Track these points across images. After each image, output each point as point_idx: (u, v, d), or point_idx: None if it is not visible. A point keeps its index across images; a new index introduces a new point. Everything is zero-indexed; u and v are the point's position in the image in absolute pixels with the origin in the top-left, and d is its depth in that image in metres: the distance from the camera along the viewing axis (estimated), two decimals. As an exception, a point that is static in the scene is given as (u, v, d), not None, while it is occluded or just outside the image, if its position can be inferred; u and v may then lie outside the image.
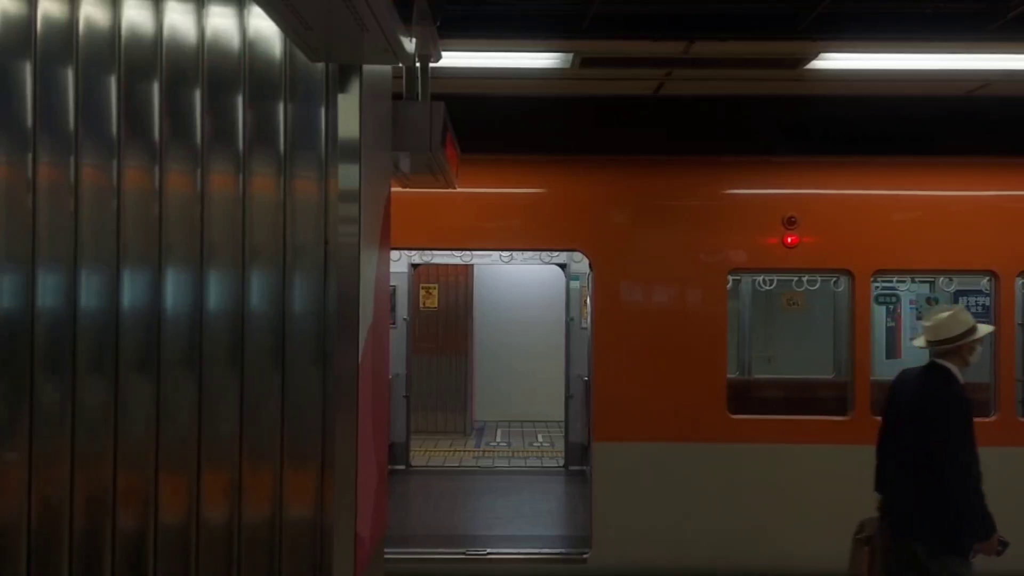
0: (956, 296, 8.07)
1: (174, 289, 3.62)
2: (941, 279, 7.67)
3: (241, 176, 3.63)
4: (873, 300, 7.72)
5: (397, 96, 4.35)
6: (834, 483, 6.43)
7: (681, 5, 5.43)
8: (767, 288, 8.26)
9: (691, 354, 6.51)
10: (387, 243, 4.37)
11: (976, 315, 8.02)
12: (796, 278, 7.30)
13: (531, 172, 6.87)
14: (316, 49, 3.28)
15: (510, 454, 11.09)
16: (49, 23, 3.48)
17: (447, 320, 12.71)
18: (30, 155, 3.44)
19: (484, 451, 11.38)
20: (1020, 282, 6.73)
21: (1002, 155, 6.80)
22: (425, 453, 10.96)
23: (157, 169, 3.60)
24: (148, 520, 3.58)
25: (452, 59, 5.53)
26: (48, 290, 3.49)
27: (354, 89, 3.59)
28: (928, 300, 8.23)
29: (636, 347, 6.52)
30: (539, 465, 10.34)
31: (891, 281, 8.91)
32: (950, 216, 6.66)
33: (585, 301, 9.01)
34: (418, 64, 4.54)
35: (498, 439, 12.16)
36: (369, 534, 3.88)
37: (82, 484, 3.51)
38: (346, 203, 3.62)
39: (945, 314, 4.70)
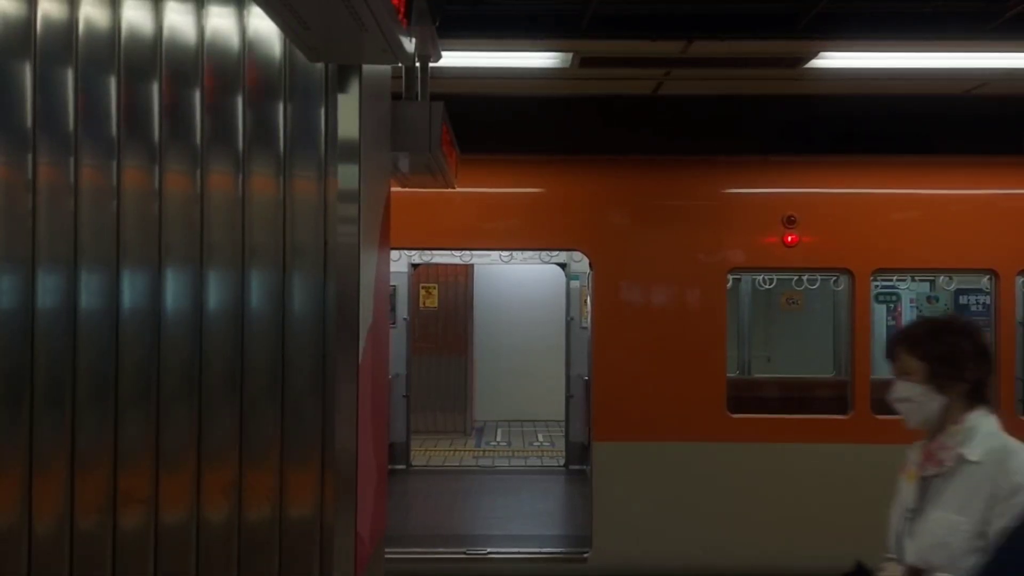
0: (956, 295, 8.07)
1: (174, 289, 3.62)
2: (941, 278, 7.67)
3: (240, 176, 3.63)
4: (873, 299, 7.71)
5: (396, 96, 4.35)
6: (834, 482, 6.44)
7: (680, 5, 5.43)
8: (767, 287, 8.27)
9: (691, 353, 6.51)
10: (387, 243, 4.37)
11: (976, 314, 8.04)
12: (796, 277, 7.30)
13: (531, 172, 6.86)
14: (315, 49, 3.29)
15: (510, 454, 11.09)
16: (49, 24, 3.48)
17: (447, 320, 12.71)
18: (30, 156, 3.44)
19: (484, 451, 11.38)
20: (1020, 281, 6.73)
21: (1001, 154, 6.80)
22: (425, 453, 10.97)
23: (157, 169, 3.60)
24: (149, 520, 3.58)
25: (451, 59, 5.53)
26: (48, 290, 3.50)
27: (353, 89, 3.59)
28: (928, 299, 8.22)
29: (636, 347, 6.52)
30: (539, 465, 10.35)
31: (891, 280, 8.90)
32: (950, 215, 6.66)
33: (585, 301, 9.01)
34: (417, 64, 4.55)
35: (498, 439, 12.16)
36: (369, 534, 3.89)
37: (82, 484, 3.51)
38: (346, 203, 3.62)
39: None
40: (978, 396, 2.67)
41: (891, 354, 2.77)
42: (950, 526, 2.55)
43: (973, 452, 2.59)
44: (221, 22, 3.63)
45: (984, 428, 2.63)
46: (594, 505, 6.49)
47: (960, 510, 2.55)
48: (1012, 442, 2.62)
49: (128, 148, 3.58)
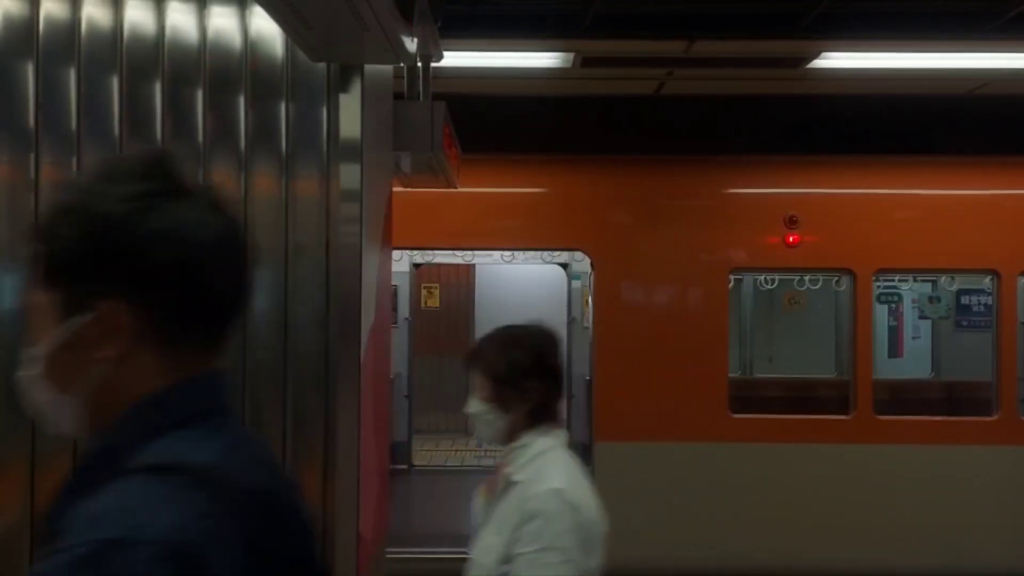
0: (958, 295, 8.06)
1: (176, 289, 3.61)
2: (943, 278, 7.66)
3: (242, 176, 3.63)
4: (875, 299, 7.71)
5: (398, 96, 4.36)
6: (836, 482, 6.43)
7: (682, 5, 5.44)
8: (769, 287, 8.26)
9: (693, 354, 6.51)
10: (389, 243, 4.37)
11: (978, 314, 8.03)
12: (798, 277, 7.30)
13: (532, 172, 6.87)
14: (317, 49, 3.29)
15: (512, 454, 11.08)
16: (51, 24, 3.49)
17: (449, 320, 12.72)
18: (32, 155, 3.45)
19: (486, 450, 11.38)
20: (1022, 281, 6.72)
21: (1003, 154, 6.79)
22: (427, 453, 10.97)
23: (159, 169, 3.60)
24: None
25: (453, 59, 5.54)
26: (50, 290, 3.49)
27: (355, 89, 3.60)
28: (930, 299, 8.22)
29: (638, 347, 6.52)
30: (541, 465, 10.33)
31: (893, 280, 8.90)
32: (952, 215, 6.65)
33: (587, 301, 9.02)
34: (419, 64, 4.55)
35: (500, 439, 12.15)
36: (371, 534, 3.89)
37: (84, 484, 3.51)
38: (347, 203, 3.62)
39: None
40: (541, 413, 2.51)
41: (468, 364, 2.60)
42: (486, 547, 2.41)
43: (519, 472, 2.45)
44: (223, 22, 3.63)
45: (536, 448, 2.47)
46: (595, 505, 6.49)
47: (497, 531, 2.40)
48: (556, 465, 2.44)
49: (131, 148, 3.58)
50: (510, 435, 2.52)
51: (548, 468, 2.42)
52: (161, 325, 1.18)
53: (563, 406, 2.63)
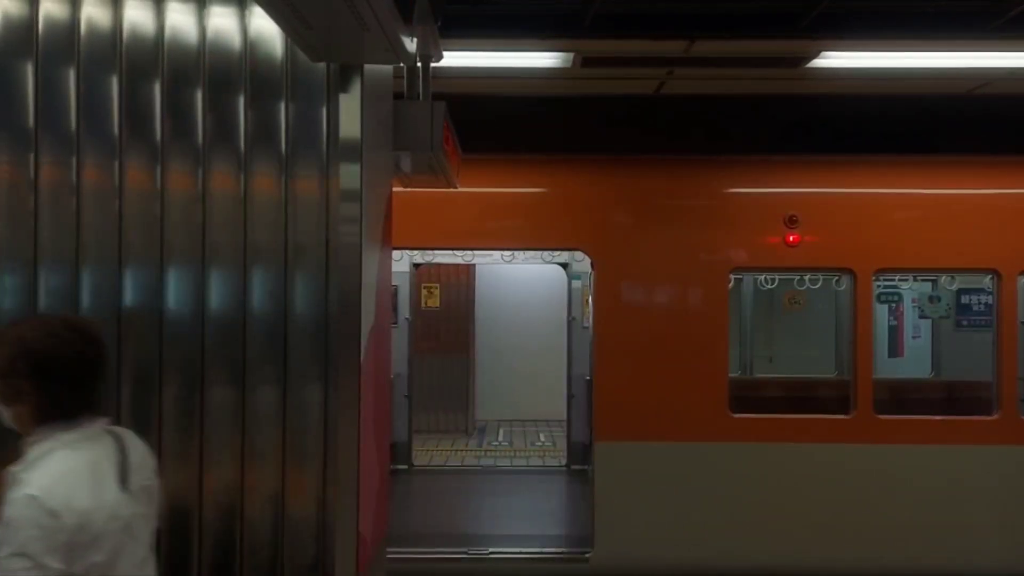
0: (959, 295, 8.06)
1: (176, 289, 3.62)
2: (943, 278, 7.66)
3: (242, 176, 3.63)
4: (875, 299, 7.71)
5: (398, 96, 4.35)
6: (836, 482, 6.43)
7: (682, 4, 5.43)
8: (769, 287, 8.27)
9: (693, 353, 6.51)
10: (389, 243, 4.37)
11: (978, 314, 8.03)
12: (798, 277, 7.29)
13: (532, 172, 6.86)
14: (317, 49, 3.29)
15: (512, 453, 11.09)
16: (51, 24, 3.49)
17: (449, 319, 12.72)
18: (32, 155, 3.45)
19: (486, 450, 11.38)
20: (1022, 281, 6.72)
21: (1003, 154, 6.79)
22: (427, 453, 10.97)
23: (159, 169, 3.60)
24: (150, 520, 3.58)
25: (453, 59, 5.53)
26: (50, 290, 3.50)
27: (355, 89, 3.59)
28: (930, 299, 8.22)
29: (638, 346, 6.52)
30: (541, 464, 10.35)
31: (893, 280, 8.90)
32: (952, 215, 6.65)
33: (587, 300, 9.02)
34: (419, 64, 4.55)
35: (500, 438, 12.17)
36: (371, 533, 3.89)
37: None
38: (347, 203, 3.62)
39: None
40: (49, 412, 2.39)
41: None
42: None
43: (23, 470, 2.35)
44: (223, 22, 3.63)
45: (43, 447, 2.37)
46: (595, 505, 6.49)
47: None
48: (48, 468, 2.32)
49: (130, 148, 3.58)
50: (22, 428, 2.43)
51: (38, 471, 2.33)
52: None
53: (103, 397, 2.48)
